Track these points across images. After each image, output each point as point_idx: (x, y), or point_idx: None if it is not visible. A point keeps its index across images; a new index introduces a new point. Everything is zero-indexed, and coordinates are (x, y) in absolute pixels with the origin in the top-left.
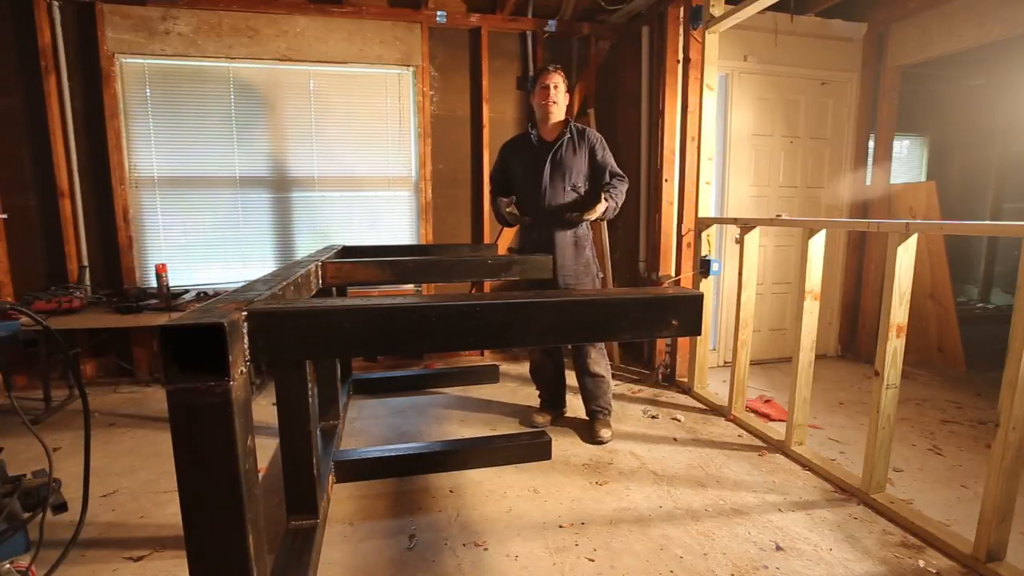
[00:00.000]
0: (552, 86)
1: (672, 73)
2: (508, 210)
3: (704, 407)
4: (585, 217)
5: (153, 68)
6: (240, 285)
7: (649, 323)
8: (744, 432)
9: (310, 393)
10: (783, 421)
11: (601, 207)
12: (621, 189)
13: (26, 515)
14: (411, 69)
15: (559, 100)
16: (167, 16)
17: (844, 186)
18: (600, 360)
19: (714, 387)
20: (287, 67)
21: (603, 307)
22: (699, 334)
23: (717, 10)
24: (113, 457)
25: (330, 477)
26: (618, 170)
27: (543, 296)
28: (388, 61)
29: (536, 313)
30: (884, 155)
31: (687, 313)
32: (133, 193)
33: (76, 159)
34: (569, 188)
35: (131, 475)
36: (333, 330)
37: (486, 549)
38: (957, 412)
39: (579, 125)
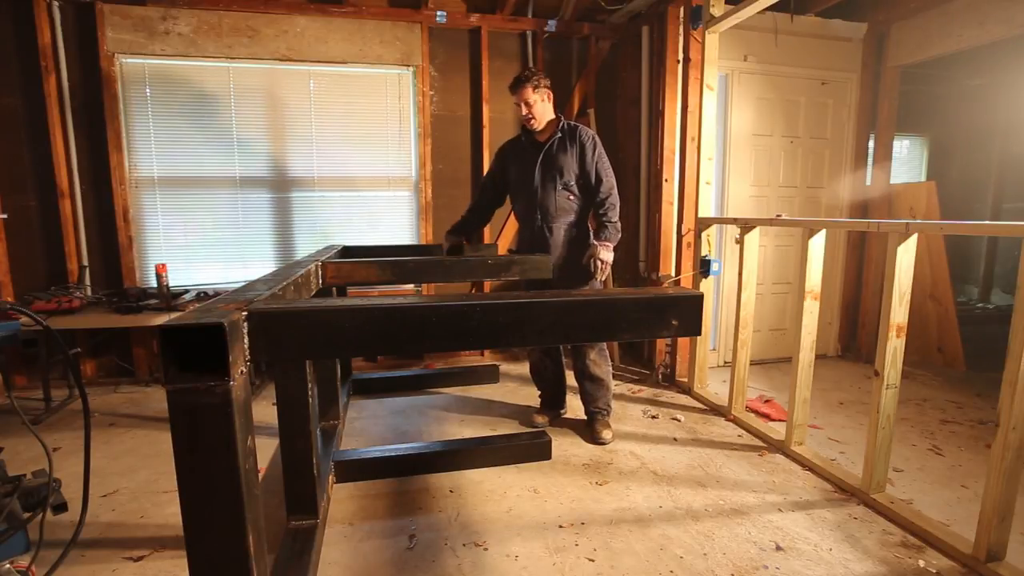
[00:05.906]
0: (523, 104)
1: (672, 73)
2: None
3: (704, 407)
4: (598, 278)
5: (153, 68)
6: (240, 285)
7: (649, 323)
8: (744, 432)
9: (310, 393)
10: (783, 421)
11: (604, 264)
12: (614, 220)
13: (26, 515)
14: (411, 69)
15: (537, 114)
16: (167, 16)
17: (844, 186)
18: (601, 362)
19: (714, 387)
20: (287, 67)
21: (603, 307)
22: (699, 334)
23: (717, 10)
24: (113, 457)
25: (330, 477)
26: (609, 180)
27: (543, 296)
28: (388, 61)
29: (536, 313)
30: (884, 155)
31: (687, 313)
32: (133, 193)
33: (76, 159)
34: (561, 188)
35: (131, 475)
36: (333, 330)
37: (486, 549)
38: (957, 412)
39: (571, 123)
